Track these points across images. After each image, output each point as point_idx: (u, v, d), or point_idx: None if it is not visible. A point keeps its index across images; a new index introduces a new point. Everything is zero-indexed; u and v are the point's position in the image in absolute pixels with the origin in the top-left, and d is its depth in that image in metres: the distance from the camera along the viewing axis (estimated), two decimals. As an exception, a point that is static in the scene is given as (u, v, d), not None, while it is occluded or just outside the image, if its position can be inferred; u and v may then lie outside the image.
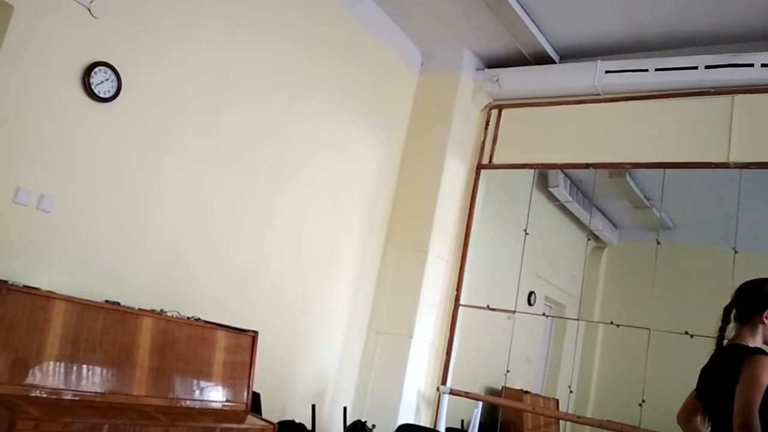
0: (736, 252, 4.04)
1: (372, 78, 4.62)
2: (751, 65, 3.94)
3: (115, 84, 3.01)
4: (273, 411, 3.61)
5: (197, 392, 2.96)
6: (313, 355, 4.23)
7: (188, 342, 2.97)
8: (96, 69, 2.93)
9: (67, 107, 2.85)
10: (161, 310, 2.96)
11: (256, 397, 3.41)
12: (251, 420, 3.09)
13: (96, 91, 2.94)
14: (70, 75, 2.85)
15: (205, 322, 3.13)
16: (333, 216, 4.35)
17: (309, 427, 3.74)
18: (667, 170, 4.34)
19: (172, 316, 2.98)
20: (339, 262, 4.42)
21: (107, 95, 2.98)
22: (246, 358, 3.25)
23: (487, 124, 4.95)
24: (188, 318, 3.07)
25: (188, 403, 2.90)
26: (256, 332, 3.29)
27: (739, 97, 4.03)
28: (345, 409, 4.16)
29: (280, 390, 3.91)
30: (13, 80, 2.67)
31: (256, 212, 3.79)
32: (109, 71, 2.99)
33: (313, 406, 3.83)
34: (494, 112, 4.96)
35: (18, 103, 2.69)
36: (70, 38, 2.84)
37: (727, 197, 4.28)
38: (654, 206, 5.92)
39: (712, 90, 4.11)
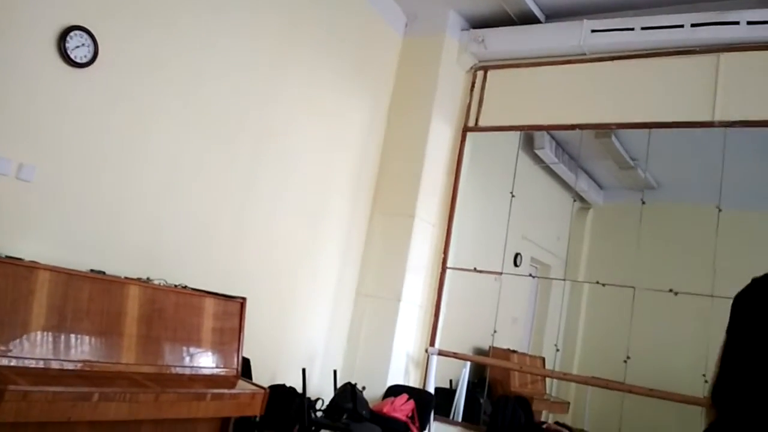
0: (720, 210, 4.08)
1: (356, 40, 4.54)
2: (737, 23, 3.92)
3: (91, 49, 2.93)
4: (263, 376, 3.63)
5: (187, 359, 2.97)
6: (302, 320, 4.25)
7: (176, 310, 2.96)
8: (71, 33, 2.85)
9: (43, 74, 2.77)
10: (148, 279, 2.95)
11: (246, 362, 3.43)
12: (242, 385, 3.11)
13: (72, 56, 2.86)
14: (44, 40, 2.77)
15: (193, 289, 3.12)
16: (319, 181, 4.32)
17: (299, 390, 3.77)
18: (652, 130, 4.35)
19: (159, 284, 2.97)
20: (326, 227, 4.41)
21: (84, 60, 2.90)
22: (235, 324, 3.26)
23: (473, 85, 4.91)
24: (175, 286, 3.06)
25: (178, 370, 2.91)
26: (244, 298, 3.29)
27: (724, 56, 4.02)
28: (335, 372, 4.20)
29: (270, 355, 3.93)
30: (-14, 46, 2.59)
31: (241, 179, 3.75)
32: (85, 35, 2.90)
33: (303, 370, 3.85)
34: (480, 73, 4.91)
35: (-8, 70, 2.62)
36: (44, 1, 2.75)
37: (711, 156, 4.30)
38: (638, 166, 5.94)
39: (698, 48, 4.09)
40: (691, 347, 4.05)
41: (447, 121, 4.79)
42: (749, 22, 3.86)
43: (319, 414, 3.89)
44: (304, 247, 4.23)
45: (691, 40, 4.09)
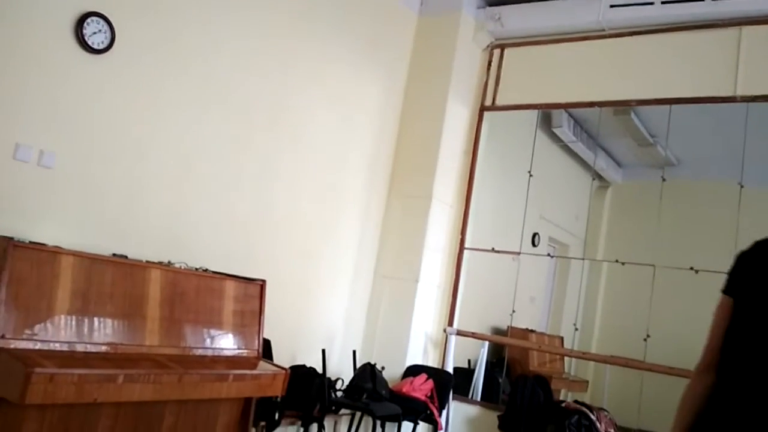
0: (742, 187, 4.02)
1: (370, 19, 4.50)
2: (760, -5, 3.82)
3: (108, 35, 2.94)
4: (284, 357, 3.67)
5: (209, 341, 3.01)
6: (321, 301, 4.28)
7: (197, 292, 3.00)
8: (88, 20, 2.86)
9: (61, 60, 2.79)
10: (169, 262, 2.98)
11: (267, 343, 3.47)
12: (263, 366, 3.15)
13: (89, 42, 2.87)
14: (62, 27, 2.78)
15: (213, 272, 3.15)
16: (336, 162, 4.32)
17: (319, 371, 3.81)
18: (672, 106, 4.28)
19: (180, 267, 3.00)
20: (344, 208, 4.41)
21: (101, 46, 2.92)
22: (255, 307, 3.29)
23: (489, 64, 4.85)
24: (196, 269, 3.09)
25: (200, 351, 2.95)
26: (264, 281, 3.32)
27: (746, 29, 3.93)
28: (354, 352, 4.23)
29: (291, 336, 3.97)
30: (4, 35, 2.61)
31: (258, 161, 3.76)
32: (102, 21, 2.91)
33: (323, 351, 3.89)
34: (497, 51, 4.85)
35: (11, 59, 2.64)
36: (59, -12, 2.76)
37: (733, 132, 4.22)
38: (658, 143, 5.87)
39: (720, 22, 4.00)
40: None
41: (463, 100, 4.75)
42: (772, -6, 3.77)
43: (339, 394, 3.94)
44: (322, 228, 4.25)
45: (713, 14, 4.00)
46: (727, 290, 1.70)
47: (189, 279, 2.98)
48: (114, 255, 2.79)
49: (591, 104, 4.56)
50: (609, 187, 7.15)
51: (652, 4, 4.17)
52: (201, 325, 2.98)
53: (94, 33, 2.89)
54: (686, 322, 5.42)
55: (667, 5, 4.14)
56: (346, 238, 4.45)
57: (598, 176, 6.79)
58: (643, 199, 6.19)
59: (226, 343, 3.10)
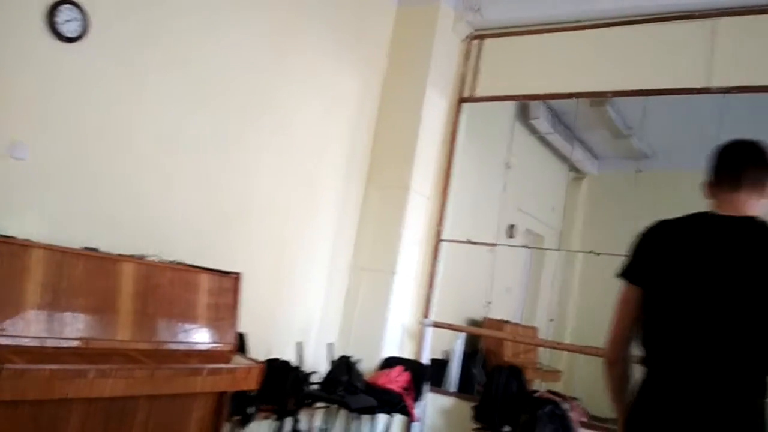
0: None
1: (350, 10, 4.45)
2: (735, -13, 3.85)
3: (82, 23, 2.85)
4: (259, 350, 3.63)
5: (182, 335, 2.96)
6: (297, 294, 4.25)
7: (171, 286, 2.94)
8: (60, 7, 2.77)
9: (32, 49, 2.70)
10: (142, 255, 2.92)
11: (241, 337, 3.43)
12: (238, 360, 3.11)
13: (62, 30, 2.78)
14: (33, 15, 2.69)
15: (188, 265, 3.10)
16: (315, 155, 4.28)
17: (295, 364, 3.79)
18: (648, 97, 4.31)
19: (154, 260, 2.94)
20: (321, 200, 4.37)
21: (74, 35, 2.83)
22: (230, 300, 3.25)
23: (468, 55, 4.83)
24: (170, 262, 3.03)
25: (174, 345, 2.90)
26: (239, 274, 3.27)
27: (722, 20, 3.95)
28: (330, 345, 4.22)
29: (266, 330, 3.93)
30: (-32, 19, 2.51)
31: (235, 152, 3.71)
32: (76, 9, 2.82)
33: (299, 344, 3.87)
34: (476, 42, 4.83)
35: (-25, 44, 2.55)
36: (27, -28, 2.66)
37: (707, 123, 4.26)
38: (633, 135, 5.92)
39: (696, 13, 4.02)
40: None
41: (442, 91, 4.73)
42: (747, -14, 3.80)
43: (314, 387, 3.92)
44: (299, 220, 4.21)
45: (689, 5, 4.02)
46: (632, 278, 1.72)
47: (163, 272, 2.92)
48: (86, 248, 2.72)
49: (569, 96, 4.58)
50: (584, 179, 7.21)
51: (629, -5, 4.18)
52: (175, 319, 2.93)
53: (67, 21, 2.80)
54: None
55: (643, -3, 4.15)
56: (323, 230, 4.42)
57: (574, 168, 6.85)
58: (618, 191, 6.26)
59: (200, 337, 3.05)
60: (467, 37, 4.85)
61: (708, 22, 4.00)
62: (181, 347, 2.93)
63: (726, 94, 3.93)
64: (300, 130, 4.13)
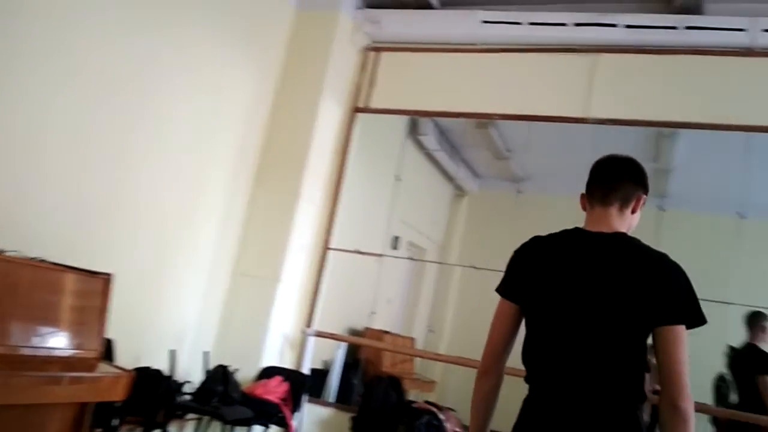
0: (589, 204, 4.33)
1: (246, 8, 4.29)
2: (615, 25, 4.14)
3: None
4: (128, 358, 3.37)
5: (41, 340, 2.67)
6: (172, 299, 4.01)
7: (31, 285, 2.65)
8: None
9: None
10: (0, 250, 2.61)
11: (109, 343, 3.17)
12: (104, 368, 2.86)
13: None
14: None
15: (51, 263, 2.81)
16: (198, 154, 4.06)
17: (167, 373, 3.56)
18: (531, 123, 4.52)
19: (12, 256, 2.64)
20: (204, 202, 4.16)
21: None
22: (98, 303, 2.98)
23: (365, 65, 4.83)
24: (31, 259, 2.73)
25: (31, 351, 2.61)
26: (109, 275, 3.02)
27: (602, 56, 4.24)
28: (206, 354, 4.02)
29: (137, 336, 3.66)
30: None
31: (111, 147, 3.43)
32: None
33: (172, 352, 3.64)
34: (372, 54, 4.84)
35: None
36: None
37: (583, 151, 4.54)
38: (512, 157, 6.21)
39: (579, 47, 4.28)
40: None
41: (337, 99, 4.69)
42: (627, 26, 4.09)
43: (187, 398, 3.71)
44: (179, 221, 3.97)
45: (574, 39, 4.27)
46: (507, 294, 1.76)
47: (22, 270, 2.62)
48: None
49: (458, 115, 4.71)
50: (466, 196, 7.45)
51: (520, 24, 4.38)
52: (34, 322, 2.64)
53: None
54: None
55: (534, 26, 4.36)
56: (205, 233, 4.20)
57: (457, 185, 7.07)
58: (497, 209, 6.52)
59: (61, 342, 2.77)
60: (364, 47, 4.85)
61: (590, 57, 4.27)
62: (40, 353, 2.64)
63: (600, 125, 4.21)
64: (186, 127, 3.91)
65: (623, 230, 1.70)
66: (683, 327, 1.56)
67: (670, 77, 4.10)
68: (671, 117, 4.10)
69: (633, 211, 1.73)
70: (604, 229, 1.69)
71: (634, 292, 1.57)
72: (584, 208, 1.78)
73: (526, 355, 1.72)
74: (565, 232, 1.74)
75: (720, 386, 3.80)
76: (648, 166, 5.40)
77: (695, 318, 1.58)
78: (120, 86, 3.43)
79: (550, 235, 1.75)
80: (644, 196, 1.74)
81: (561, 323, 1.63)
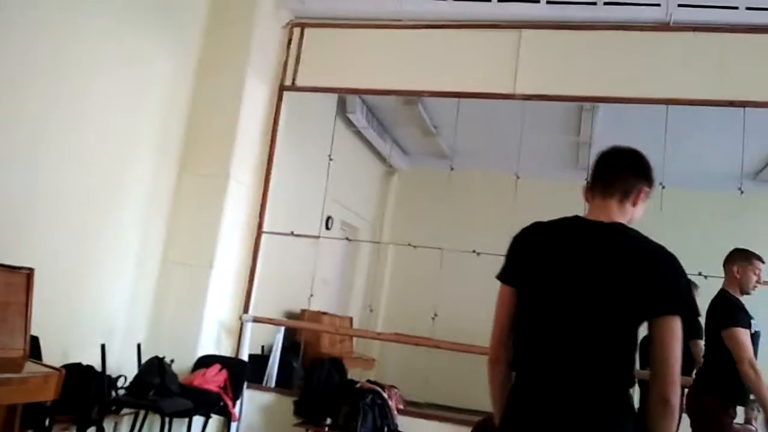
0: (518, 177, 4.44)
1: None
2: (537, 1, 4.21)
3: None
4: (55, 355, 3.21)
5: (-40, 342, 2.50)
6: (99, 291, 3.83)
7: (-55, 284, 2.47)
8: None
9: None
10: None
11: (35, 341, 3.00)
12: (32, 367, 2.72)
13: None
14: None
15: (-33, 259, 2.62)
16: (119, 137, 3.86)
17: (98, 368, 3.41)
18: (461, 99, 4.55)
19: None
20: (127, 187, 3.97)
21: None
22: (20, 299, 2.82)
23: (290, 42, 4.72)
24: (-57, 256, 2.54)
25: (-52, 354, 2.44)
26: (31, 269, 2.86)
27: (526, 32, 4.31)
28: (139, 346, 3.87)
29: (64, 331, 3.48)
30: None
31: (25, 132, 3.20)
32: None
33: (103, 346, 3.49)
34: (297, 30, 4.73)
35: None
36: None
37: (510, 127, 4.65)
38: (440, 134, 6.27)
39: (503, 23, 4.34)
40: (491, 302, 4.39)
41: (263, 78, 4.56)
42: (548, 2, 4.17)
43: (121, 392, 3.57)
44: (102, 209, 3.78)
45: (498, 15, 4.31)
46: (506, 279, 1.75)
47: (-66, 268, 2.44)
48: None
49: (387, 92, 4.70)
50: (396, 173, 7.49)
51: (445, 0, 4.39)
52: (-50, 324, 2.46)
53: None
54: (470, 300, 5.90)
55: (458, 2, 4.38)
56: (130, 221, 4.02)
57: (386, 162, 7.08)
58: (427, 186, 6.58)
59: (-17, 343, 2.60)
60: (288, 24, 4.74)
61: (514, 33, 4.34)
62: (-42, 356, 2.47)
63: (527, 101, 4.30)
64: (104, 106, 3.69)
65: (623, 221, 1.72)
66: (679, 319, 1.57)
67: (591, 52, 4.23)
68: (593, 92, 4.23)
69: (634, 204, 1.73)
70: (603, 219, 1.70)
71: (628, 280, 1.58)
72: (587, 200, 1.78)
73: (517, 341, 1.71)
74: (563, 220, 1.74)
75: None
76: (570, 140, 5.62)
77: (690, 310, 1.60)
78: (32, 68, 3.20)
79: (549, 222, 1.76)
80: (646, 189, 1.74)
81: (553, 309, 1.64)
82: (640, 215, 1.76)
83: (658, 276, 1.58)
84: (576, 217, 1.74)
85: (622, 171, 1.74)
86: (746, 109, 3.94)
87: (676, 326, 1.56)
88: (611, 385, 1.59)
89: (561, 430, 1.57)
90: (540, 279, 1.69)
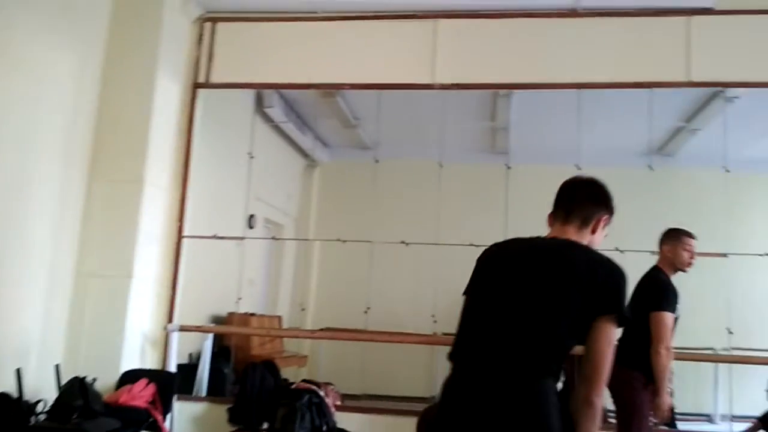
0: (441, 166, 4.47)
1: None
2: (452, -10, 4.23)
3: None
4: (-36, 386, 2.96)
5: None
6: (9, 311, 3.56)
7: None
8: None
9: None
10: None
11: (-61, 373, 2.76)
12: (-63, 403, 2.49)
13: None
14: None
15: None
16: (17, 146, 3.58)
17: (15, 395, 3.18)
18: (376, 90, 4.53)
19: None
20: (33, 201, 3.69)
21: None
22: None
23: (201, 38, 4.53)
24: None
25: None
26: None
27: (442, 22, 4.33)
28: (57, 367, 3.63)
29: (-29, 359, 3.22)
30: None
31: None
32: None
33: (18, 370, 3.25)
34: (208, 25, 4.54)
35: None
36: None
37: (430, 115, 4.67)
38: (360, 125, 6.24)
39: (420, 13, 4.34)
40: (422, 291, 4.43)
41: (174, 75, 4.35)
42: (463, -10, 4.21)
43: (42, 417, 3.34)
44: (5, 225, 3.50)
45: (413, 5, 4.31)
46: (466, 291, 1.87)
47: None
48: None
49: (307, 86, 4.60)
50: (317, 167, 7.39)
51: (359, -10, 4.33)
52: None
53: None
54: (401, 291, 5.94)
55: (373, -7, 4.33)
56: (38, 234, 3.75)
57: (307, 156, 6.98)
58: (350, 178, 6.55)
59: None
60: (198, 18, 4.54)
61: (430, 23, 4.34)
62: None
63: (447, 90, 4.33)
64: None
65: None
66: (613, 326, 1.65)
67: (505, 40, 4.30)
68: (509, 79, 4.33)
69: (593, 231, 1.80)
70: (558, 237, 1.79)
71: (564, 284, 1.66)
72: (549, 225, 1.86)
73: (457, 335, 1.78)
74: (520, 238, 1.84)
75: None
76: (486, 126, 5.71)
77: (624, 315, 1.66)
78: None
79: (506, 240, 1.87)
80: (606, 217, 1.82)
81: (491, 308, 1.73)
82: (599, 241, 1.84)
83: (598, 280, 1.67)
84: (534, 237, 1.85)
85: (582, 200, 1.82)
86: (652, 90, 4.12)
87: (610, 332, 1.65)
88: (535, 378, 1.65)
89: (484, 417, 1.63)
90: (486, 283, 1.80)
